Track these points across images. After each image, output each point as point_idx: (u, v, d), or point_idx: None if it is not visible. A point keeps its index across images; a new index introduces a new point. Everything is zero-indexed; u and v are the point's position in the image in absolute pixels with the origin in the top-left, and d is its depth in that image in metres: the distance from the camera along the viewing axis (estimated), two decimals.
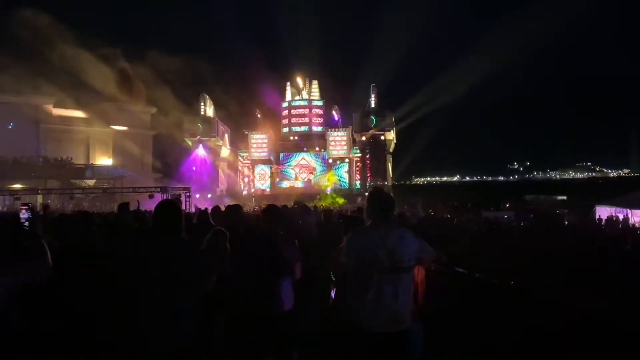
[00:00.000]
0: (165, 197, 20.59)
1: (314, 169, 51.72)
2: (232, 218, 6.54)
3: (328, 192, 46.66)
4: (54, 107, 44.29)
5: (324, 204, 30.58)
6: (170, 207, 3.39)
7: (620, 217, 20.54)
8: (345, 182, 50.94)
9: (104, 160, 46.81)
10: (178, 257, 3.11)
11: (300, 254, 4.43)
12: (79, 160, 43.74)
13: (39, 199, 29.89)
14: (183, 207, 22.45)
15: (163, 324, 3.02)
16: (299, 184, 50.10)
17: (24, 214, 3.42)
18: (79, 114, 45.92)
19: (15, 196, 25.83)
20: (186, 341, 3.06)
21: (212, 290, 3.28)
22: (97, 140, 46.93)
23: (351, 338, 3.32)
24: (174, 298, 3.04)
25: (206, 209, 9.88)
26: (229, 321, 4.59)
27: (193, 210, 20.36)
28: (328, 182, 49.27)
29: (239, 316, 4.40)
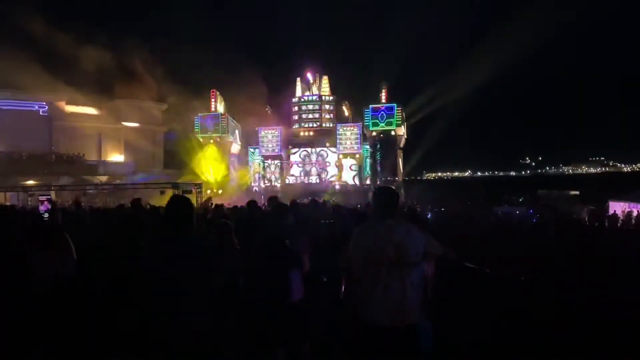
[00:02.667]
0: (176, 194, 20.71)
1: (325, 164, 51.69)
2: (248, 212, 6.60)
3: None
4: (67, 104, 44.66)
5: None
6: (181, 204, 3.39)
7: (635, 212, 20.33)
8: (356, 178, 50.89)
9: (115, 156, 47.17)
10: (187, 254, 3.12)
11: (309, 247, 4.46)
12: (91, 156, 44.12)
13: (52, 195, 30.20)
14: (195, 203, 22.59)
15: (175, 319, 3.04)
16: (309, 180, 50.10)
17: (43, 207, 3.44)
18: (91, 110, 46.28)
19: (29, 192, 26.10)
20: (199, 335, 3.08)
21: (223, 285, 3.28)
22: (108, 137, 47.28)
23: (360, 332, 3.33)
24: (185, 294, 3.05)
25: (222, 204, 9.95)
26: (241, 313, 4.63)
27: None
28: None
29: (250, 308, 4.44)
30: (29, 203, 21.50)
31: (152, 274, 3.10)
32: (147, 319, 3.12)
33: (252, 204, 8.89)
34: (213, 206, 10.72)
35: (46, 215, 3.40)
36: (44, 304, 3.07)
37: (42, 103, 42.80)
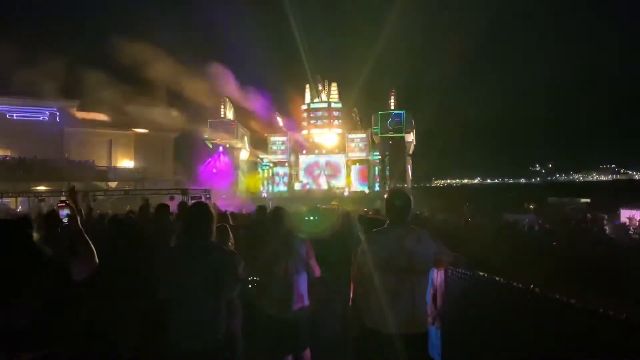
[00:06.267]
0: (185, 199, 20.77)
1: (333, 171, 51.70)
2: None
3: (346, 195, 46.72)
4: (77, 110, 45.06)
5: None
6: (202, 210, 3.37)
7: None
8: (364, 185, 50.85)
9: (125, 162, 47.47)
10: (207, 261, 3.10)
11: (312, 251, 4.43)
12: (101, 162, 44.44)
13: None
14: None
15: (192, 326, 3.02)
16: (317, 187, 50.10)
17: (64, 211, 3.41)
18: (102, 116, 46.66)
19: (39, 197, 26.27)
20: (214, 343, 3.05)
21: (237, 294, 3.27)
22: (119, 143, 47.62)
23: (369, 340, 3.29)
24: (203, 301, 3.04)
25: (225, 211, 9.90)
26: (249, 321, 4.61)
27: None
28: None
29: (257, 316, 4.42)
30: (44, 209, 21.63)
31: (169, 279, 3.09)
32: (161, 323, 3.11)
33: (260, 210, 8.89)
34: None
35: (65, 220, 3.37)
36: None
37: (53, 109, 43.21)
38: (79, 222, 3.18)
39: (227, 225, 4.71)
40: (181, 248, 3.24)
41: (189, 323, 3.03)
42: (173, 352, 3.05)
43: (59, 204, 3.54)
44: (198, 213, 3.31)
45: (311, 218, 6.51)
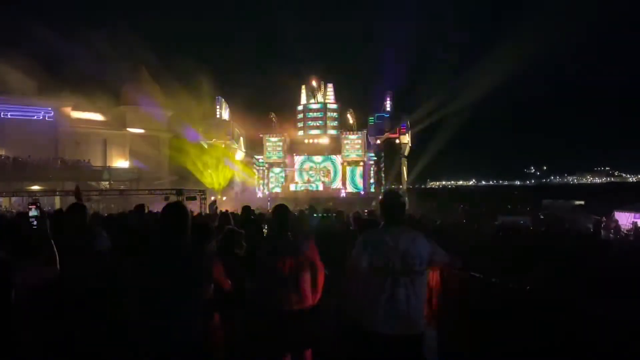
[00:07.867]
0: (181, 200, 20.74)
1: (329, 172, 51.71)
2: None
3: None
4: (72, 110, 44.85)
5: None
6: (176, 210, 3.34)
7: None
8: (359, 186, 50.87)
9: (120, 162, 47.29)
10: (180, 261, 3.07)
11: (317, 251, 4.41)
12: (96, 162, 44.24)
13: (57, 200, 30.28)
14: (199, 209, 22.60)
15: (163, 328, 2.98)
16: (313, 187, 50.05)
17: (32, 212, 3.37)
18: (97, 116, 46.47)
19: (33, 197, 26.18)
20: (191, 343, 3.01)
21: (212, 295, 3.23)
22: (114, 143, 47.43)
23: (364, 341, 3.28)
24: (175, 303, 3.00)
25: (227, 211, 9.89)
26: (248, 319, 4.59)
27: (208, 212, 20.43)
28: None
29: (258, 314, 4.40)
30: (20, 208, 21.52)
31: (141, 281, 3.05)
32: (134, 328, 3.06)
33: (246, 209, 8.91)
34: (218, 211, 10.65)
35: (35, 222, 3.31)
36: (23, 312, 3.02)
37: (47, 109, 42.96)
38: (48, 226, 3.14)
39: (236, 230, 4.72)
40: (154, 249, 3.20)
41: (161, 325, 2.99)
42: (144, 355, 3.01)
43: (30, 205, 3.49)
44: (170, 214, 3.28)
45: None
